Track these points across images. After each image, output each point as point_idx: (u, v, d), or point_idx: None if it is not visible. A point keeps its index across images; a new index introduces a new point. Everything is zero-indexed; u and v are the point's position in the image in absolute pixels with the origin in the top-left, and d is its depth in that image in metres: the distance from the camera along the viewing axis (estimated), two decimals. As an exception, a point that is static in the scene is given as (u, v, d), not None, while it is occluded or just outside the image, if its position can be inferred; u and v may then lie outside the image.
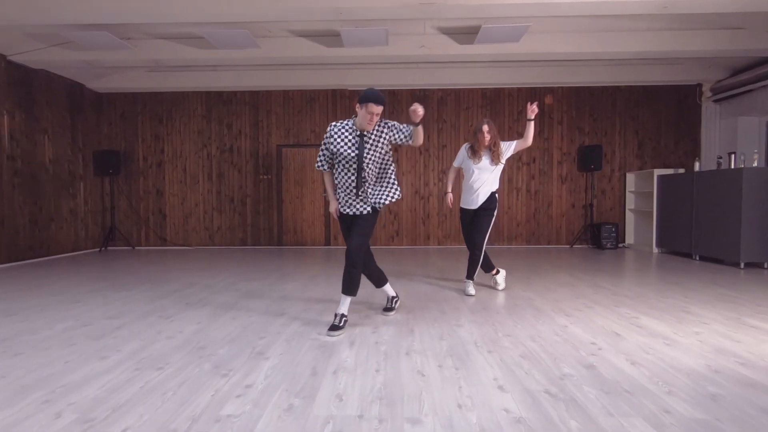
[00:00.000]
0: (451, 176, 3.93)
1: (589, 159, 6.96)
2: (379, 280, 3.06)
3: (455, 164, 3.88)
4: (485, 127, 3.59)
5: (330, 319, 2.96)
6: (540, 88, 7.23)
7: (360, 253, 2.73)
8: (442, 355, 2.29)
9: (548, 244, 7.34)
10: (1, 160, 5.51)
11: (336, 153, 2.75)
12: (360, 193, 2.78)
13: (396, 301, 3.18)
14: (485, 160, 3.65)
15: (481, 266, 3.77)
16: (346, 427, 1.58)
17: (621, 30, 5.48)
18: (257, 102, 7.37)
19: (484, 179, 3.67)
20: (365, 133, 2.71)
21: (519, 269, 5.03)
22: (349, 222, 2.90)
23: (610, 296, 3.61)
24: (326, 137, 2.80)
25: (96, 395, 1.85)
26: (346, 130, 2.74)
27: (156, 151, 7.43)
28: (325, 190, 2.95)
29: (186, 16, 4.31)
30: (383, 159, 2.82)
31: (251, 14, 4.28)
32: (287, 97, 7.35)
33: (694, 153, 7.16)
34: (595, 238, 7.04)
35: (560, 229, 7.34)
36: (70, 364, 2.21)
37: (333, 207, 2.90)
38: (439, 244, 7.34)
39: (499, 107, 7.29)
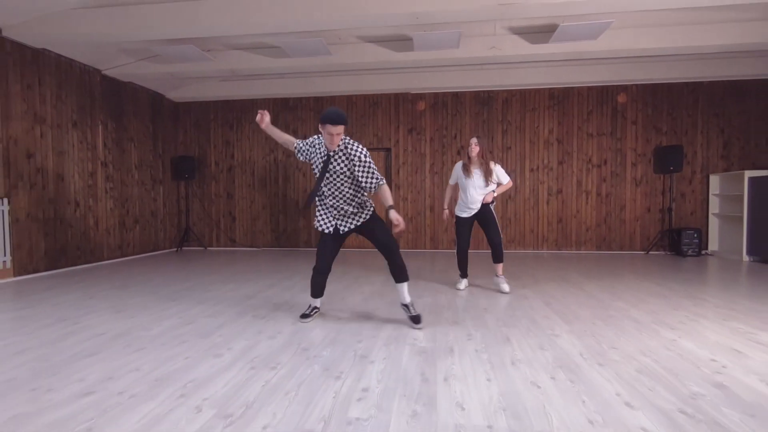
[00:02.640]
0: (449, 193, 4.21)
1: (667, 160, 6.55)
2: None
3: (450, 182, 4.20)
4: (473, 140, 3.90)
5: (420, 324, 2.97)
6: (612, 86, 6.91)
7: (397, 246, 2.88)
8: (551, 367, 2.22)
9: (621, 249, 6.97)
10: (96, 167, 5.98)
11: (313, 166, 2.82)
12: (307, 207, 2.87)
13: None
14: (477, 178, 3.91)
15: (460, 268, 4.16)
16: (479, 437, 1.56)
17: (710, 22, 5.11)
18: (322, 108, 7.54)
19: (476, 194, 3.95)
20: (331, 153, 2.69)
21: (598, 276, 4.81)
22: (332, 240, 2.87)
23: (713, 309, 3.36)
24: (312, 141, 2.82)
25: (225, 392, 1.94)
26: (320, 147, 2.76)
27: (227, 156, 7.80)
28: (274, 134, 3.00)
29: (269, 27, 4.48)
30: (350, 187, 2.75)
31: (331, 23, 4.39)
32: (351, 102, 7.48)
33: (789, 153, 6.55)
34: (674, 244, 6.60)
35: (634, 234, 6.95)
36: (189, 360, 2.34)
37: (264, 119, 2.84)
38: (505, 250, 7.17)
39: (568, 107, 7.03)
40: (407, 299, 2.95)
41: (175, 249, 7.65)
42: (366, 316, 3.20)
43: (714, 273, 5.05)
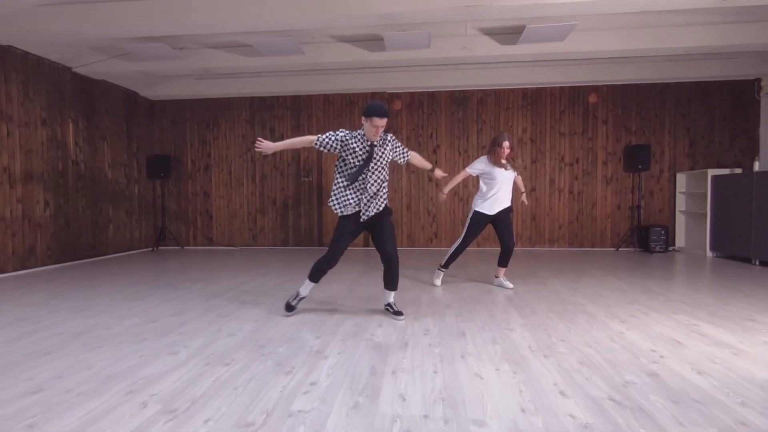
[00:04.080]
0: (459, 179, 4.08)
1: (636, 159, 6.72)
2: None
3: (471, 171, 4.01)
4: (506, 143, 3.82)
5: (380, 317, 3.03)
6: (583, 86, 7.05)
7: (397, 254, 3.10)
8: (498, 359, 2.30)
9: (592, 246, 7.14)
10: (67, 166, 5.91)
11: (349, 157, 2.92)
12: (361, 196, 2.97)
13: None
14: (509, 170, 3.95)
15: (447, 261, 4.18)
16: (413, 426, 1.63)
17: (673, 25, 5.27)
18: (299, 106, 7.55)
19: (506, 188, 3.96)
20: (375, 144, 2.92)
21: (565, 273, 4.93)
22: (354, 226, 3.01)
23: (665, 302, 3.49)
24: (344, 137, 2.92)
25: (174, 387, 1.97)
26: (360, 140, 2.92)
27: (203, 155, 7.76)
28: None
29: (240, 26, 4.49)
30: (385, 170, 3.03)
31: (301, 22, 4.41)
32: (327, 101, 7.50)
33: (752, 151, 6.77)
34: (642, 241, 6.79)
35: (605, 231, 7.12)
36: (144, 357, 2.36)
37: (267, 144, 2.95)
38: (478, 246, 7.29)
39: (540, 107, 7.16)
40: (391, 300, 3.22)
41: (151, 248, 7.59)
42: (329, 313, 3.25)
43: (676, 268, 5.21)
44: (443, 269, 4.24)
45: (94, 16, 4.55)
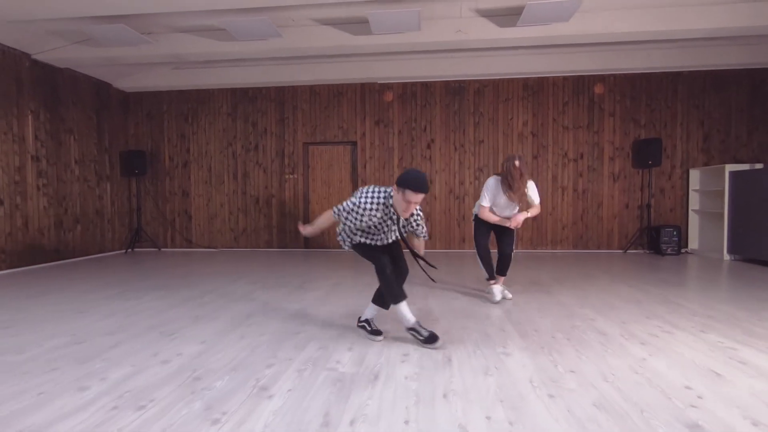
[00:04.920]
0: (491, 216, 3.45)
1: (645, 154, 6.21)
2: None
3: (486, 203, 3.42)
4: (517, 162, 3.24)
5: (353, 337, 2.53)
6: (589, 76, 6.54)
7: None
8: (490, 400, 1.80)
9: (598, 248, 6.62)
10: (25, 161, 5.41)
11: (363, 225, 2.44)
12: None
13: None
14: (514, 204, 3.41)
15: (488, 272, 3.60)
16: None
17: (689, 4, 4.76)
18: (283, 98, 7.05)
19: (508, 213, 3.49)
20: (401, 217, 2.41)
21: (570, 278, 4.42)
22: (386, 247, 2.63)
23: (689, 317, 2.98)
24: (363, 207, 2.32)
25: (54, 447, 1.47)
26: (379, 209, 2.34)
27: (182, 150, 7.26)
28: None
29: (203, 3, 3.98)
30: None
31: (270, -3, 3.92)
32: (313, 92, 7.00)
33: (771, 146, 6.26)
34: (653, 242, 6.27)
35: (612, 232, 6.61)
36: (43, 396, 1.86)
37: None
38: (473, 249, 6.77)
39: (543, 98, 6.64)
40: (369, 316, 2.67)
41: (125, 250, 7.09)
42: (294, 330, 2.75)
43: (693, 274, 4.70)
44: (491, 281, 3.54)
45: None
